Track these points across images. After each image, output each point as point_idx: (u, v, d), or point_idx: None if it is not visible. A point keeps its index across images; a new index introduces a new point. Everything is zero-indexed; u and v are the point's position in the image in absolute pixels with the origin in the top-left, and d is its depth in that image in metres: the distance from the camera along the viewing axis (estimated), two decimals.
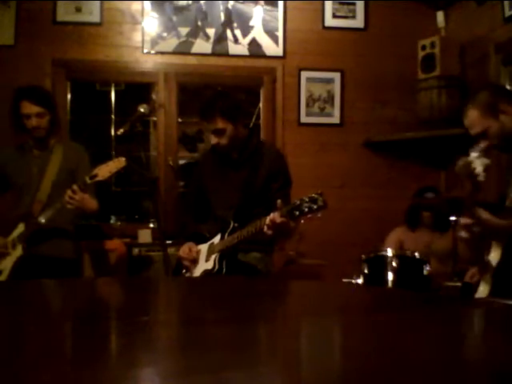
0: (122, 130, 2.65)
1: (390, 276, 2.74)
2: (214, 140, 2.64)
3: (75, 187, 2.63)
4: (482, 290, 2.07)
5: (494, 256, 2.10)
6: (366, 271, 2.78)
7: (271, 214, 2.28)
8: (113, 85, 4.20)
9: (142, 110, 2.64)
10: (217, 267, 2.54)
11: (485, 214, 2.04)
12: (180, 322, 1.15)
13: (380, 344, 0.91)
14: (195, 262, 2.67)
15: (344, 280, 2.83)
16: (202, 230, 2.77)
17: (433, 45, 3.85)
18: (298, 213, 2.18)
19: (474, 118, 2.21)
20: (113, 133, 4.13)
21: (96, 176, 2.63)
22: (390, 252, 2.80)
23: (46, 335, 0.99)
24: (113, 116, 4.17)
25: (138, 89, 4.28)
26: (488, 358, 0.85)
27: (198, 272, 2.63)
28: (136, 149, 4.34)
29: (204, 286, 1.80)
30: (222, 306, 1.29)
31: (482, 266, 2.13)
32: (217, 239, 2.63)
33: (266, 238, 2.53)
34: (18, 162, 2.92)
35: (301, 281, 2.97)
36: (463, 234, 2.07)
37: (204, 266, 2.62)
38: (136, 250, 3.67)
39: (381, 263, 2.78)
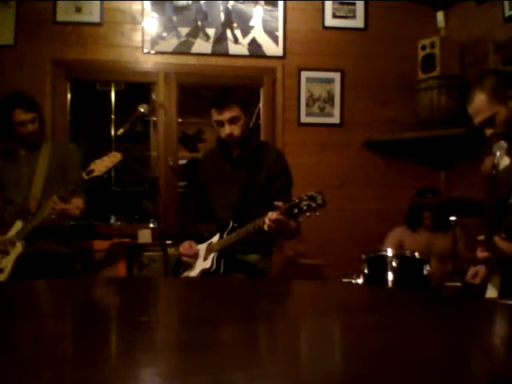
0: (122, 130, 2.66)
1: (390, 276, 2.74)
2: (227, 130, 2.60)
3: (55, 198, 2.70)
4: (491, 292, 2.04)
5: None
6: (366, 271, 2.78)
7: (269, 213, 2.28)
8: (113, 85, 4.19)
9: (142, 109, 2.64)
10: (214, 266, 2.54)
11: (502, 244, 1.95)
12: (180, 323, 1.15)
13: (380, 344, 0.91)
14: (196, 257, 2.67)
15: (344, 280, 2.83)
16: (202, 230, 2.77)
17: (433, 45, 3.85)
18: (296, 211, 2.18)
19: (480, 103, 2.08)
20: (113, 133, 4.13)
21: (92, 171, 2.67)
22: (389, 252, 2.80)
23: (46, 335, 0.99)
24: (113, 116, 4.17)
25: (138, 89, 4.28)
26: (489, 358, 0.85)
27: (196, 271, 2.63)
28: (136, 149, 4.34)
29: (204, 287, 1.80)
30: (221, 307, 1.29)
31: (490, 268, 2.08)
32: (215, 239, 2.63)
33: (266, 238, 2.53)
34: (6, 163, 2.98)
35: (301, 281, 2.97)
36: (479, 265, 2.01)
37: (202, 265, 2.61)
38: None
39: (381, 263, 2.78)
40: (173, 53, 3.97)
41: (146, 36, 3.93)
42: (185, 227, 2.91)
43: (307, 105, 4.10)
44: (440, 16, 4.16)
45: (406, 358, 0.82)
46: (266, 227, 2.31)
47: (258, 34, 4.04)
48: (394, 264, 2.74)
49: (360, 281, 2.77)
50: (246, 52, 4.04)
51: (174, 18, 3.96)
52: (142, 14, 3.93)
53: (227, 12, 4.02)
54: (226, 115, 2.59)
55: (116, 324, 1.12)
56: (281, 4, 4.06)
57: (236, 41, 4.02)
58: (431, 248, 3.35)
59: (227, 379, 0.70)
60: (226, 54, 4.02)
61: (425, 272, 2.72)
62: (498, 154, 1.90)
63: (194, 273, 2.63)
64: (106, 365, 0.79)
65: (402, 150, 4.16)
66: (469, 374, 0.76)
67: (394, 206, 3.83)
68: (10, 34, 3.77)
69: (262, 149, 2.73)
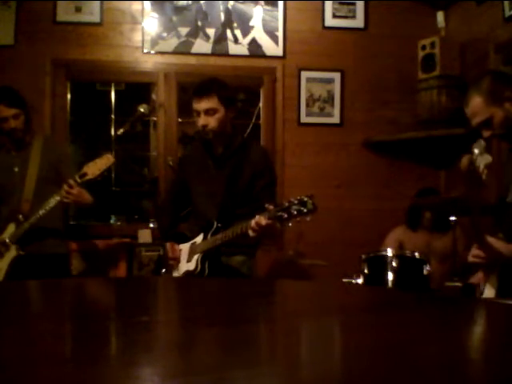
0: (122, 130, 2.66)
1: (390, 276, 2.74)
2: (202, 121, 2.52)
3: (72, 182, 2.63)
4: (489, 292, 2.03)
5: None
6: (366, 271, 2.78)
7: (257, 217, 2.20)
8: (113, 85, 4.19)
9: (141, 109, 2.65)
10: (199, 268, 2.47)
11: (496, 243, 1.94)
12: (180, 322, 1.15)
13: (380, 344, 0.91)
14: (178, 260, 2.61)
15: (344, 280, 2.83)
16: (183, 229, 2.71)
17: (433, 45, 3.84)
18: (286, 215, 2.09)
19: (477, 105, 2.07)
20: (113, 133, 4.12)
21: (86, 175, 2.64)
22: (389, 252, 2.79)
23: (45, 335, 0.98)
24: (113, 116, 4.16)
25: (138, 89, 4.28)
26: (489, 358, 0.85)
27: (179, 272, 2.58)
28: (136, 149, 4.34)
29: (204, 287, 1.80)
30: (221, 307, 1.29)
31: (488, 269, 2.07)
32: (199, 239, 2.55)
33: (250, 240, 2.45)
34: None
35: (300, 281, 2.97)
36: (472, 259, 2.00)
37: (186, 266, 2.55)
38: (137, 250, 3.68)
39: (381, 263, 2.78)
40: (173, 53, 3.97)
41: (146, 36, 3.94)
42: (165, 227, 2.82)
43: (307, 105, 4.10)
44: (440, 16, 4.16)
45: (405, 357, 0.82)
46: (250, 232, 2.23)
47: (258, 33, 4.04)
48: (393, 264, 2.74)
49: (360, 281, 2.77)
50: (246, 52, 4.04)
51: (174, 18, 3.96)
52: (142, 14, 3.94)
53: (227, 12, 4.02)
54: (203, 105, 2.51)
55: (115, 324, 1.12)
56: (281, 4, 4.06)
57: (236, 41, 4.02)
58: (431, 248, 3.35)
59: (226, 379, 0.70)
60: (226, 54, 4.02)
61: (425, 272, 2.72)
62: (476, 151, 1.90)
63: (177, 274, 2.58)
64: (106, 365, 0.79)
65: (402, 150, 4.16)
66: (468, 373, 0.76)
67: (394, 206, 3.82)
68: (10, 34, 3.77)
69: (246, 147, 2.64)
